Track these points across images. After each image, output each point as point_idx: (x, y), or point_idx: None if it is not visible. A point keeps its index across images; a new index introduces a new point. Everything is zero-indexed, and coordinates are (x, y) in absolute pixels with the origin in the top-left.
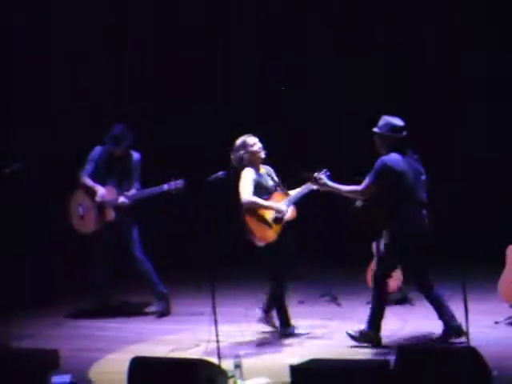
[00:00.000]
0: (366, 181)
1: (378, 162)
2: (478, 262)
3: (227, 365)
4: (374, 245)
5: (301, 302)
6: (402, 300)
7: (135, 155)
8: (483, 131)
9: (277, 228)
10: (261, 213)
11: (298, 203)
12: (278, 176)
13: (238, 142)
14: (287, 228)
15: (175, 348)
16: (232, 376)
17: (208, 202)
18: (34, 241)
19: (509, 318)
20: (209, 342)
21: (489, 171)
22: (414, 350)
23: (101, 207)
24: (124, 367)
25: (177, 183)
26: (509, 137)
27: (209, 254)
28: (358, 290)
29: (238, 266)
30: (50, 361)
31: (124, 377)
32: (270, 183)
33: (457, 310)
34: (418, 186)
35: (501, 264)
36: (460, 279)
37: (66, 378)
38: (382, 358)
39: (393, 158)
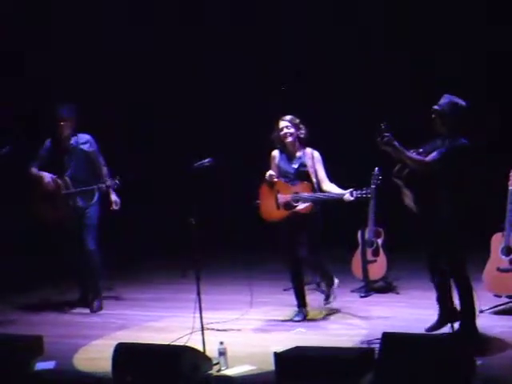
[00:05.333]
0: (435, 154)
1: (458, 141)
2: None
3: (212, 352)
4: (359, 233)
5: (286, 290)
6: (387, 288)
7: (83, 138)
8: None
9: (283, 213)
10: (275, 192)
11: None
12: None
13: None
14: (298, 218)
15: (160, 335)
16: (216, 363)
17: (195, 189)
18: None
19: (493, 306)
20: (193, 328)
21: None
22: (398, 338)
23: (53, 195)
24: (108, 353)
25: (113, 183)
26: None
27: (195, 241)
28: (343, 279)
29: (226, 253)
30: (34, 347)
31: (108, 363)
32: (290, 168)
33: None
34: None
35: (485, 253)
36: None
37: (50, 364)
38: (366, 346)
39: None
